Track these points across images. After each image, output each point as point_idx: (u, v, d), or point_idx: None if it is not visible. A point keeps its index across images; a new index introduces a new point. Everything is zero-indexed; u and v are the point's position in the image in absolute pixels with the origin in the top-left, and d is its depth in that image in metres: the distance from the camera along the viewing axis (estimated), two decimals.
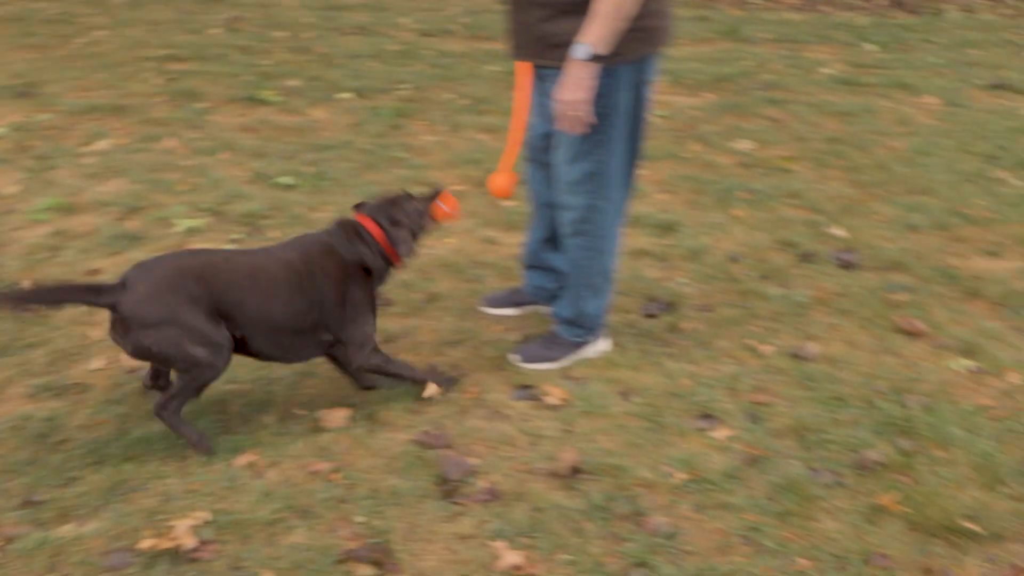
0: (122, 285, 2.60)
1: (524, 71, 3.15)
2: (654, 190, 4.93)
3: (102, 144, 5.12)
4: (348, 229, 2.95)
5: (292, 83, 6.38)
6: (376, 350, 2.95)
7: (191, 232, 4.14)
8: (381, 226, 2.97)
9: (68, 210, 4.33)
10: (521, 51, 3.05)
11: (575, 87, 2.81)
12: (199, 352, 2.62)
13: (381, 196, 3.11)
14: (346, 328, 2.89)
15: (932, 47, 8.87)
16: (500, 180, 3.23)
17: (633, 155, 3.12)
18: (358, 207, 3.08)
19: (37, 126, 5.32)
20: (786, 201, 4.88)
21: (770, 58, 8.03)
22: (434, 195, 3.11)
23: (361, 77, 6.59)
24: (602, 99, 2.90)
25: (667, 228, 4.43)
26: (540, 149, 3.31)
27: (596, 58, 2.77)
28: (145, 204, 4.43)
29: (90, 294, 2.64)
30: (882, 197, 4.99)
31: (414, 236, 3.04)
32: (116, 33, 7.26)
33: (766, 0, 10.72)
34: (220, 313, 2.67)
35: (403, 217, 3.00)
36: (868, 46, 8.75)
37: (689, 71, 7.26)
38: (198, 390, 2.72)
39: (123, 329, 2.60)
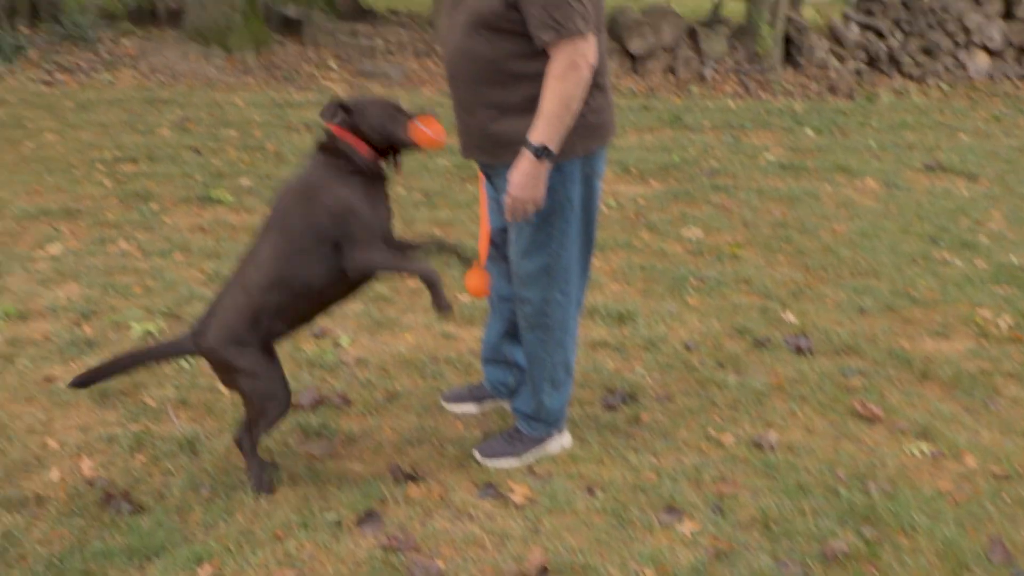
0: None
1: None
2: (608, 280, 5.00)
3: (54, 248, 5.09)
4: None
5: (244, 182, 6.41)
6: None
7: (147, 336, 4.11)
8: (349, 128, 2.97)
9: (21, 317, 4.28)
10: (471, 151, 3.11)
11: (528, 184, 2.87)
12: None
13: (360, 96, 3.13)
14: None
15: (868, 130, 9.19)
16: (474, 279, 3.25)
17: (587, 247, 3.19)
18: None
19: None
20: (737, 287, 4.97)
21: (713, 144, 8.25)
22: (416, 114, 3.02)
23: None
24: (554, 194, 2.97)
25: (623, 318, 4.49)
26: (495, 244, 3.36)
27: (547, 155, 2.84)
28: (100, 308, 4.39)
29: (168, 349, 3.06)
30: (830, 281, 5.10)
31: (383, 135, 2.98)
32: (66, 136, 7.26)
33: (704, 88, 11.03)
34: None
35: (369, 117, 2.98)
36: (807, 131, 9.02)
37: (635, 160, 7.43)
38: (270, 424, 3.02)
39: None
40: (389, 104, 3.03)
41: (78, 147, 6.99)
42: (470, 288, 3.26)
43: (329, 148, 2.98)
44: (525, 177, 2.86)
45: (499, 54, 2.87)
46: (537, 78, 2.83)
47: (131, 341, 4.06)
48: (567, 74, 2.78)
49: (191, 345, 2.98)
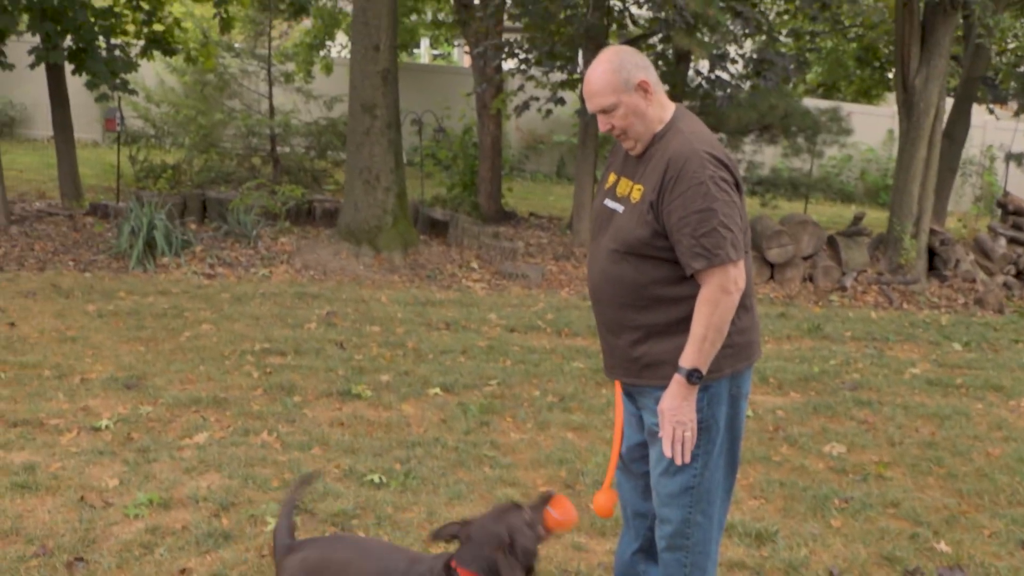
0: None
1: (621, 388, 3.22)
2: (746, 496, 4.84)
3: (200, 437, 5.27)
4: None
5: (384, 378, 6.56)
6: None
7: None
8: None
9: (164, 505, 4.40)
10: (615, 372, 3.15)
11: (682, 408, 2.90)
12: None
13: (488, 515, 2.83)
14: None
15: (1021, 347, 8.82)
16: (601, 499, 3.21)
17: (731, 468, 3.13)
18: (461, 531, 2.80)
19: (140, 418, 5.51)
20: (884, 511, 4.73)
21: (855, 356, 8.05)
22: (544, 501, 2.83)
23: (450, 372, 6.77)
24: (701, 414, 2.95)
25: (761, 538, 4.31)
26: (631, 459, 3.32)
27: (698, 378, 2.85)
28: (238, 500, 4.48)
29: None
30: (986, 508, 4.81)
31: (525, 570, 2.71)
32: (220, 327, 7.64)
33: (845, 298, 10.88)
34: None
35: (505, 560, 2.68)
36: (955, 345, 8.74)
37: (774, 369, 7.30)
38: None
39: None
40: (516, 522, 2.74)
41: (231, 338, 7.33)
42: (597, 508, 3.21)
43: None
44: (678, 400, 2.90)
45: (646, 279, 2.95)
46: (683, 301, 2.88)
47: (265, 536, 4.10)
48: (718, 300, 2.83)
49: None
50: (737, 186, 2.93)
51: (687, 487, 3.03)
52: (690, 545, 3.10)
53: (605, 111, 2.98)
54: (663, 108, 3.02)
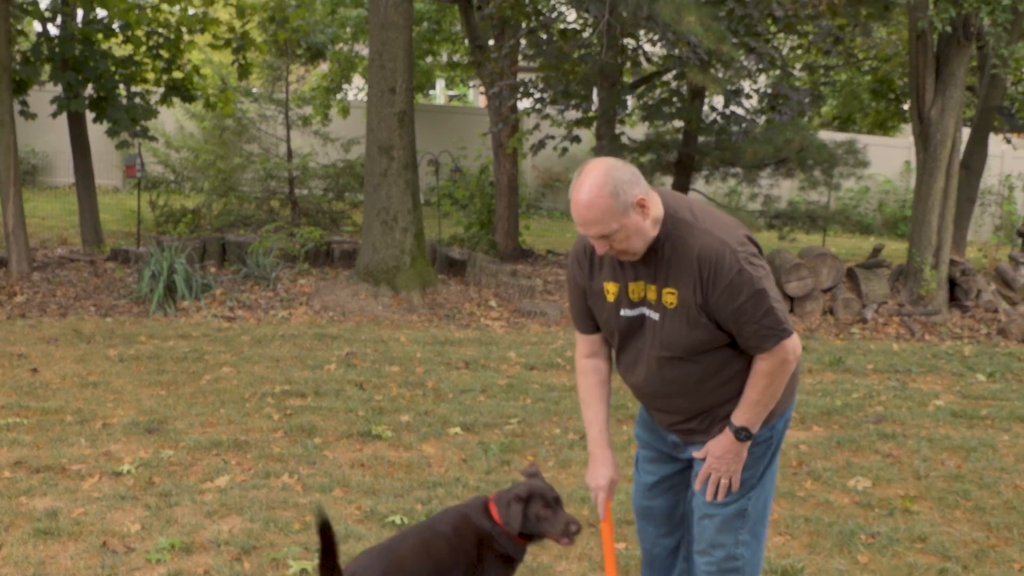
0: None
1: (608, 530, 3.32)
2: (771, 532, 4.78)
3: (222, 480, 5.27)
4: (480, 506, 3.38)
5: (404, 418, 6.55)
6: None
7: (303, 574, 4.13)
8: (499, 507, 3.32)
9: (186, 550, 4.39)
10: (694, 435, 3.18)
11: (728, 459, 3.01)
12: None
13: (529, 480, 3.41)
14: None
15: None
16: None
17: (773, 491, 3.24)
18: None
19: (162, 462, 5.52)
20: (912, 546, 4.67)
21: (878, 389, 7.99)
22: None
23: (470, 412, 6.75)
24: (771, 432, 3.09)
25: (788, 575, 4.25)
26: (654, 496, 3.36)
27: (747, 437, 2.98)
28: (260, 544, 4.47)
29: None
30: (1016, 542, 4.74)
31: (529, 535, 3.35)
32: (241, 370, 7.66)
33: (865, 330, 10.82)
34: None
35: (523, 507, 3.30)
36: (979, 376, 8.66)
37: (796, 404, 7.22)
38: None
39: None
40: (541, 488, 3.37)
41: (251, 380, 7.35)
42: None
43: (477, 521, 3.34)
44: (725, 452, 2.99)
45: (712, 370, 3.00)
46: (746, 370, 2.97)
47: None
48: (778, 371, 2.91)
49: None
50: (760, 249, 2.98)
51: (742, 511, 3.10)
52: (741, 567, 3.14)
53: (605, 236, 2.84)
54: (656, 208, 2.89)
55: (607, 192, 2.76)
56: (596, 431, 3.25)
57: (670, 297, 2.91)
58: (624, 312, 3.04)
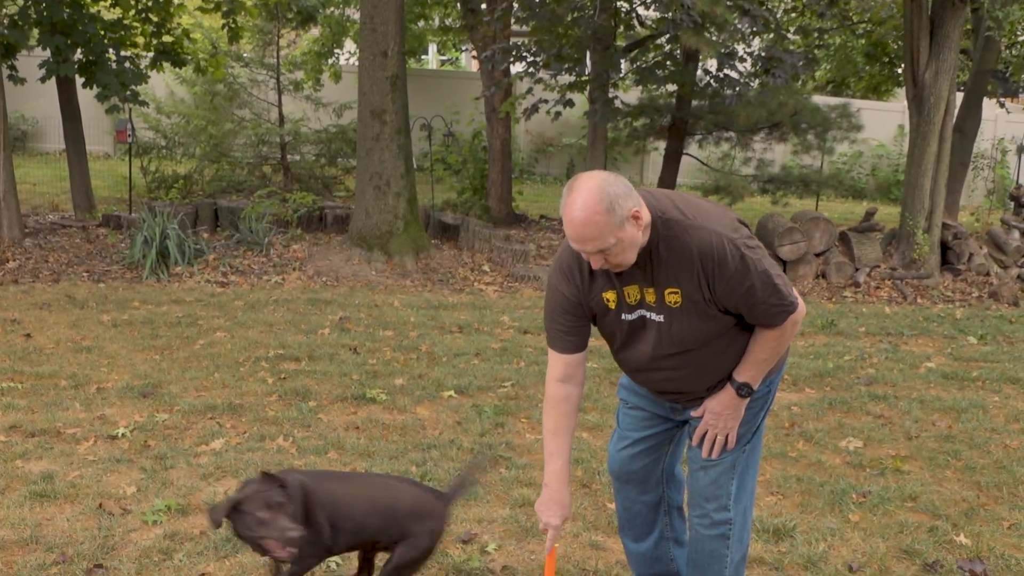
0: None
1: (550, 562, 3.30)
2: (763, 492, 4.82)
3: (217, 443, 5.29)
4: None
5: (398, 381, 6.57)
6: None
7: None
8: None
9: (182, 511, 4.42)
10: (695, 403, 3.21)
11: (726, 414, 3.06)
12: None
13: None
14: None
15: None
16: None
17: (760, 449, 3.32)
18: None
19: (157, 426, 5.54)
20: (903, 505, 4.71)
21: (870, 352, 8.03)
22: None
23: (463, 375, 6.77)
24: (758, 401, 3.15)
25: (779, 533, 4.30)
26: (634, 453, 3.40)
27: (747, 393, 3.04)
28: None
29: None
30: (1005, 500, 4.79)
31: None
32: (235, 334, 7.67)
33: (858, 293, 10.85)
34: None
35: None
36: (970, 339, 8.70)
37: (788, 366, 7.27)
38: None
39: None
40: None
41: (245, 345, 7.35)
42: None
43: None
44: (725, 408, 3.05)
45: (723, 347, 3.03)
46: (747, 341, 3.04)
47: None
48: (783, 335, 2.98)
49: None
50: (750, 230, 3.02)
51: (735, 463, 3.16)
52: (731, 518, 3.20)
53: (601, 251, 2.81)
54: (645, 216, 2.85)
55: (603, 208, 2.71)
56: (559, 465, 3.13)
57: (673, 297, 2.91)
58: (625, 316, 3.04)
